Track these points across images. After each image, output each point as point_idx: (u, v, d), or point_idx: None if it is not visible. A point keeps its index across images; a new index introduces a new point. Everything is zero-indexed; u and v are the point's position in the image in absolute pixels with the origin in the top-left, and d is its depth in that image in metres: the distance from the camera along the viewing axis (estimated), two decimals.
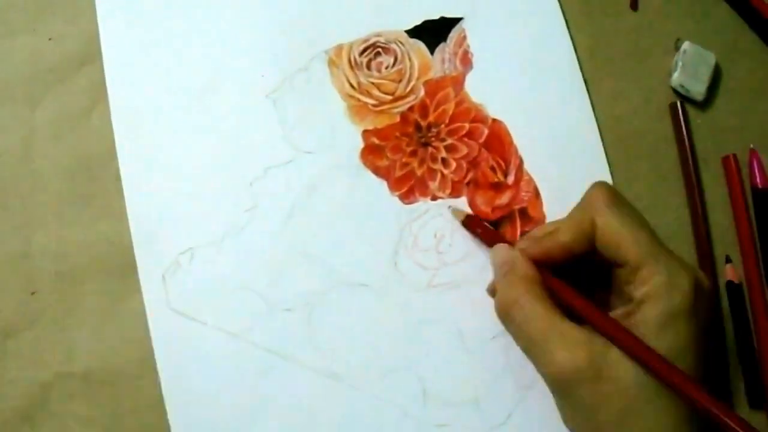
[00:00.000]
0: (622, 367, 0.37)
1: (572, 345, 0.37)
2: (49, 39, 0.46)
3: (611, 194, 0.41)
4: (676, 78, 0.47)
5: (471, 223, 0.44)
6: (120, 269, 0.44)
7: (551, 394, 0.40)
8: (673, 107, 0.48)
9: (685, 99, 0.48)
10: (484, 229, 0.44)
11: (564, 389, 0.38)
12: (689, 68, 0.47)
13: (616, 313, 0.39)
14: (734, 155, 0.47)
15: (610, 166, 0.47)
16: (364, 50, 0.47)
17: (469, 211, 0.45)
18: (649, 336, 0.37)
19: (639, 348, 0.36)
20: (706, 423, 0.36)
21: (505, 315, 0.40)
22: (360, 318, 0.44)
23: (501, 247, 0.42)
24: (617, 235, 0.39)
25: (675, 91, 0.48)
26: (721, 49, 0.49)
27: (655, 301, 0.37)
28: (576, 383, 0.37)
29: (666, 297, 0.37)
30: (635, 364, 0.37)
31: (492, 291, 0.43)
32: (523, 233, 0.45)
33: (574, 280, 0.41)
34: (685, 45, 0.48)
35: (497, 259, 0.42)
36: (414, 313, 0.44)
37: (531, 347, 0.39)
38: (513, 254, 0.41)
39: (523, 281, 0.40)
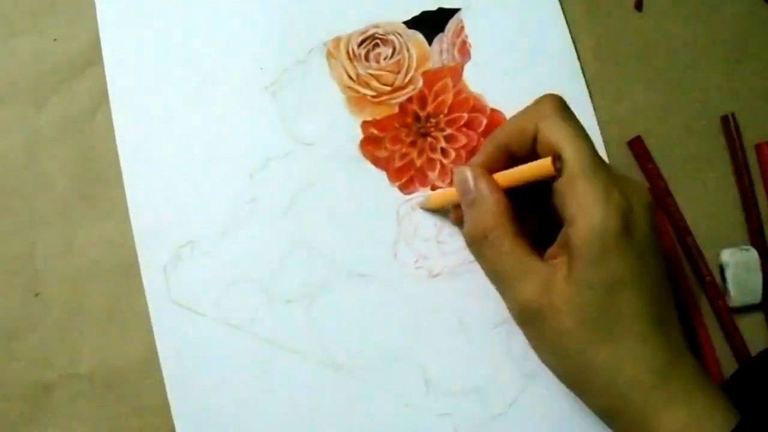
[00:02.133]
0: (571, 298, 0.36)
1: (529, 276, 0.37)
2: (54, 40, 0.46)
3: (560, 103, 0.40)
4: (735, 300, 0.45)
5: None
6: (124, 270, 0.44)
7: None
8: (725, 120, 0.48)
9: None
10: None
11: (525, 320, 0.39)
12: (740, 283, 0.45)
13: (558, 240, 0.39)
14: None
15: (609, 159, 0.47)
16: (363, 42, 0.47)
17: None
18: (588, 261, 0.36)
19: None
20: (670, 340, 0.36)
21: (474, 249, 0.40)
22: (361, 309, 0.44)
23: (463, 171, 0.40)
24: (559, 138, 0.38)
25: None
26: (732, 47, 0.49)
27: (588, 222, 0.36)
28: (534, 313, 0.38)
29: (602, 212, 0.36)
30: (583, 295, 0.36)
31: (456, 214, 0.43)
32: None
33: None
34: (725, 256, 0.46)
35: (461, 186, 0.40)
36: (415, 303, 0.44)
37: (498, 282, 0.40)
38: (480, 184, 0.39)
39: (492, 214, 0.39)
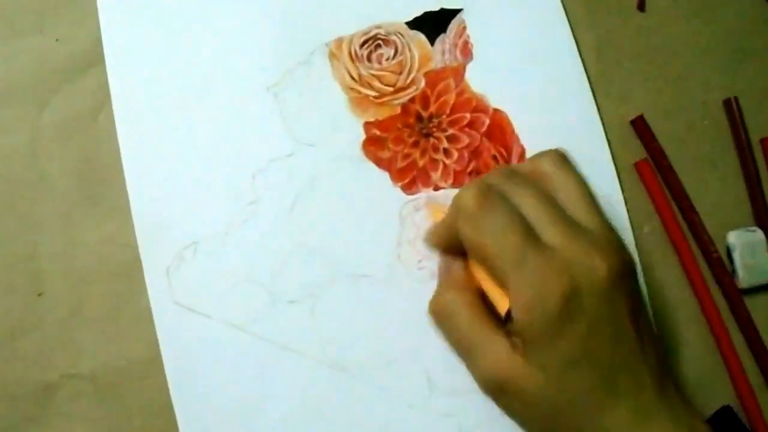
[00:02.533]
0: (529, 380, 0.36)
1: (491, 355, 0.37)
2: (56, 40, 0.46)
3: (477, 194, 0.38)
4: (744, 280, 0.46)
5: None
6: (127, 270, 0.44)
7: None
8: (727, 103, 0.48)
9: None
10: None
11: (492, 396, 0.38)
12: (748, 264, 0.45)
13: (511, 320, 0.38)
14: None
15: (615, 164, 0.47)
16: (365, 42, 0.47)
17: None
18: (536, 343, 0.36)
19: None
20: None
21: (436, 318, 0.41)
22: (364, 309, 0.44)
23: (441, 259, 0.43)
24: (477, 247, 0.38)
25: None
26: (734, 47, 0.49)
27: (520, 308, 0.36)
28: (498, 392, 0.37)
29: (534, 310, 0.35)
30: (539, 378, 0.36)
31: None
32: None
33: None
34: (731, 238, 0.46)
35: (438, 266, 0.43)
36: (418, 304, 0.44)
37: (461, 354, 0.40)
38: (447, 262, 0.42)
39: (455, 288, 0.40)
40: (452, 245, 0.40)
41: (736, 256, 0.45)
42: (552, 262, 0.36)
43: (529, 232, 0.37)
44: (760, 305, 0.46)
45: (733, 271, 0.46)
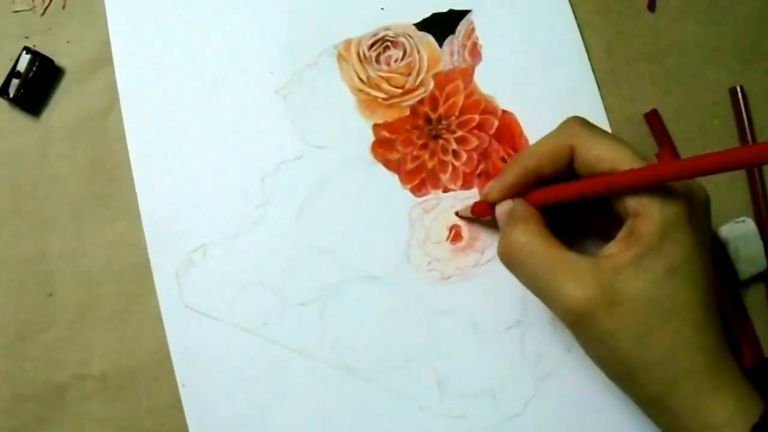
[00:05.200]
0: (632, 287, 0.36)
1: (579, 276, 0.37)
2: (67, 42, 0.46)
3: (585, 121, 0.41)
4: (743, 273, 0.46)
5: (479, 209, 0.44)
6: (137, 270, 0.44)
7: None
8: (733, 91, 0.48)
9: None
10: (489, 208, 0.44)
11: (578, 322, 0.38)
12: (743, 256, 0.46)
13: (620, 235, 0.38)
14: None
15: None
16: (373, 44, 0.47)
17: (469, 203, 0.45)
18: (651, 247, 0.36)
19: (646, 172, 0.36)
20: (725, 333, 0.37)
21: (508, 258, 0.40)
22: (373, 311, 0.44)
23: (500, 204, 0.42)
24: (603, 151, 0.39)
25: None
26: (744, 47, 0.49)
27: (651, 211, 0.37)
28: (589, 314, 0.37)
29: (663, 206, 0.37)
30: (646, 282, 0.36)
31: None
32: None
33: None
34: (723, 233, 0.46)
35: (498, 214, 0.42)
36: (427, 306, 0.44)
37: (539, 285, 0.39)
38: (508, 202, 0.41)
39: (522, 221, 0.40)
40: (520, 183, 0.41)
41: (731, 250, 0.46)
42: None
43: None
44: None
45: (731, 264, 0.46)
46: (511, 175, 0.41)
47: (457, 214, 0.45)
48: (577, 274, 0.37)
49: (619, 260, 0.37)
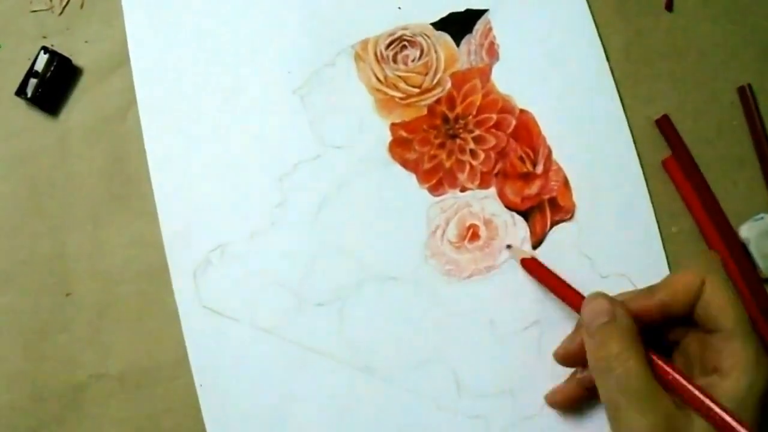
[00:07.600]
0: None
1: (657, 413, 0.36)
2: (85, 42, 0.47)
3: (718, 262, 0.42)
4: (766, 269, 0.45)
5: (530, 267, 0.44)
6: (155, 270, 0.44)
7: None
8: (741, 90, 0.48)
9: None
10: (545, 272, 0.43)
11: None
12: (764, 252, 0.45)
13: (698, 381, 0.38)
14: None
15: (641, 162, 0.46)
16: (390, 44, 0.47)
17: (530, 254, 0.45)
18: (732, 407, 0.36)
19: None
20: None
21: (603, 367, 0.38)
22: (391, 311, 0.44)
23: (597, 297, 0.40)
24: (724, 300, 0.38)
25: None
26: (763, 47, 0.49)
27: (742, 374, 0.37)
28: None
29: (755, 371, 0.37)
30: None
31: (567, 348, 0.43)
32: (553, 223, 0.45)
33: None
34: (743, 232, 0.46)
35: (594, 308, 0.39)
36: (445, 305, 0.44)
37: (620, 402, 0.37)
38: (613, 305, 0.39)
39: (626, 333, 0.38)
40: (656, 315, 0.40)
41: (752, 248, 0.45)
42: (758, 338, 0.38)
43: None
44: None
45: (753, 262, 0.46)
46: (638, 305, 0.40)
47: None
48: (654, 404, 0.36)
49: (689, 413, 0.37)
